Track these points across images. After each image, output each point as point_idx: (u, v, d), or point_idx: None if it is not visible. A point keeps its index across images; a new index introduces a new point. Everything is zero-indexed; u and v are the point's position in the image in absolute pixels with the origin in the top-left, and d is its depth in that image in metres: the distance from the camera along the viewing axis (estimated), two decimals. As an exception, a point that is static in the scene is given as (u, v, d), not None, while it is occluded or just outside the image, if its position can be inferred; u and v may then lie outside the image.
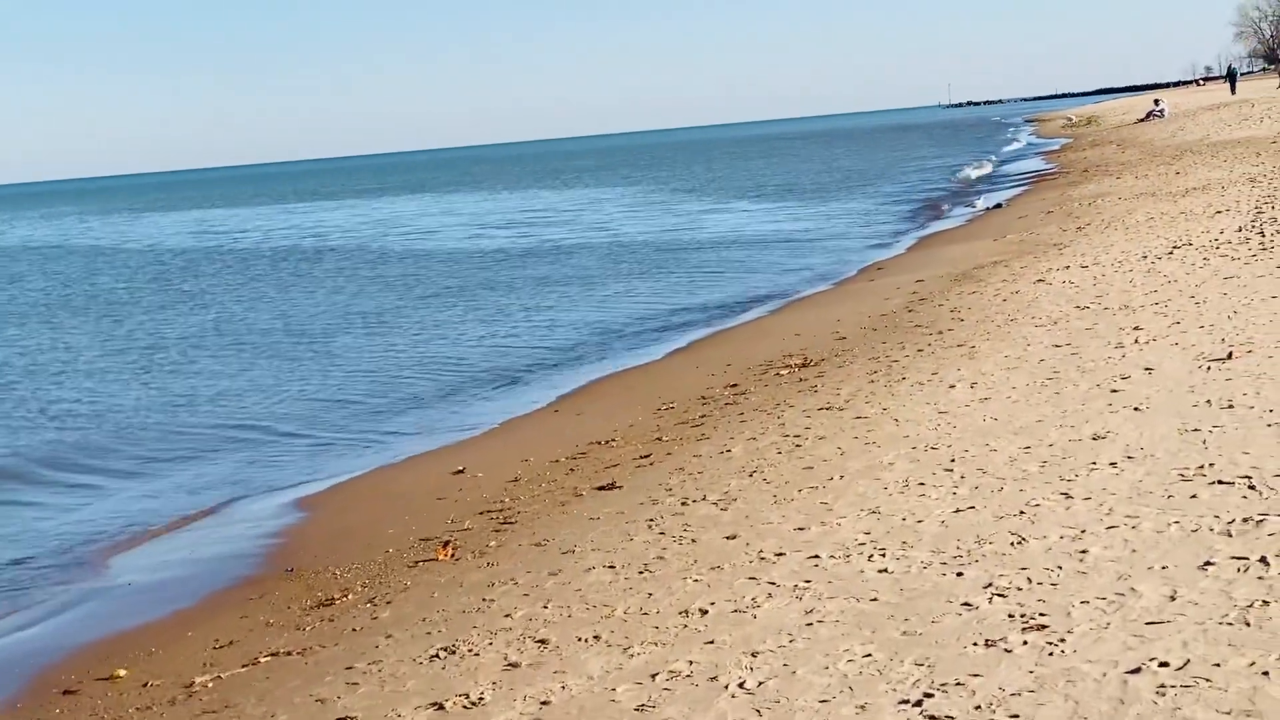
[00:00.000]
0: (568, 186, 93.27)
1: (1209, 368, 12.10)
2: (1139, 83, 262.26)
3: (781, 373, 15.98)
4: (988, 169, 61.15)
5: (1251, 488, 8.47)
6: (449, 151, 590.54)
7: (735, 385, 15.72)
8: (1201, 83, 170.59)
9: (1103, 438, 10.34)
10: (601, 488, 11.84)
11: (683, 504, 10.71)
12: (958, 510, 9.13)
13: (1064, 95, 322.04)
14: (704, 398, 15.34)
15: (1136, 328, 14.67)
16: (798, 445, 11.98)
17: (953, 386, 13.30)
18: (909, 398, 13.15)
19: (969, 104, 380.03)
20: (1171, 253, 19.94)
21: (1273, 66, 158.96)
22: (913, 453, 10.96)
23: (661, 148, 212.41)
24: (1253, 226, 21.10)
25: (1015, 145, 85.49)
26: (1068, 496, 8.99)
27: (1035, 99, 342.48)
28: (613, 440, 13.87)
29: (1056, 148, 68.95)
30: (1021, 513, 8.81)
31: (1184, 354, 12.89)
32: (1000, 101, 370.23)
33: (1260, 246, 18.90)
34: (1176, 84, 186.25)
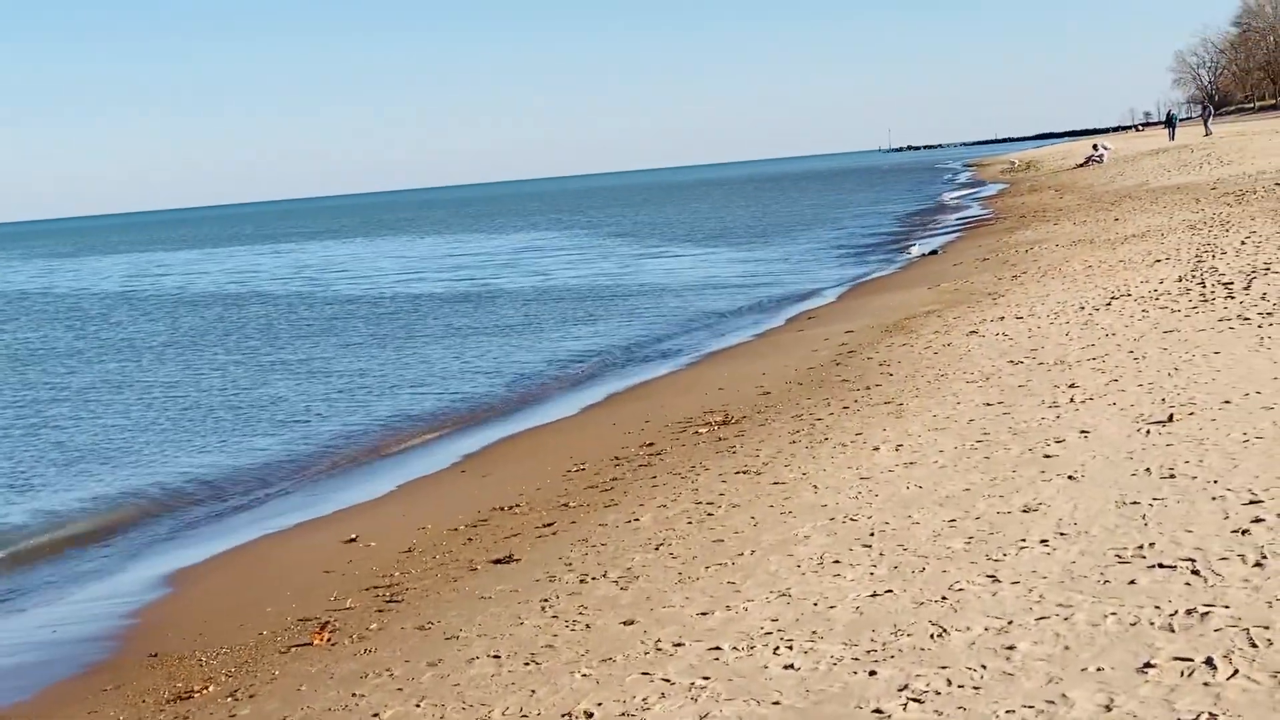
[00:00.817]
0: (510, 230, 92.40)
1: (1148, 431, 11.35)
2: (1079, 127, 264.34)
3: (700, 431, 15.16)
4: (934, 217, 60.74)
5: (1195, 573, 7.69)
6: (394, 195, 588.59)
7: (651, 445, 14.88)
8: (1141, 128, 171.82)
9: (1034, 510, 9.55)
10: (498, 561, 10.95)
11: (581, 581, 9.85)
12: (874, 594, 8.30)
13: (1005, 140, 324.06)
14: (617, 458, 14.49)
15: (1072, 385, 13.94)
16: (709, 514, 11.14)
17: (877, 449, 12.51)
18: (830, 461, 12.34)
19: (910, 148, 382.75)
20: (1109, 304, 19.28)
21: (1201, 113, 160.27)
22: (830, 525, 10.13)
23: (606, 191, 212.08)
24: (1193, 276, 20.48)
25: (954, 190, 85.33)
26: (994, 579, 8.18)
27: (976, 143, 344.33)
28: (517, 506, 12.98)
29: (994, 193, 68.74)
30: (944, 598, 8.00)
31: (1122, 415, 12.15)
32: (941, 146, 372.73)
33: (1201, 298, 18.26)
34: (1116, 129, 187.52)
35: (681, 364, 22.46)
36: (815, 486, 11.45)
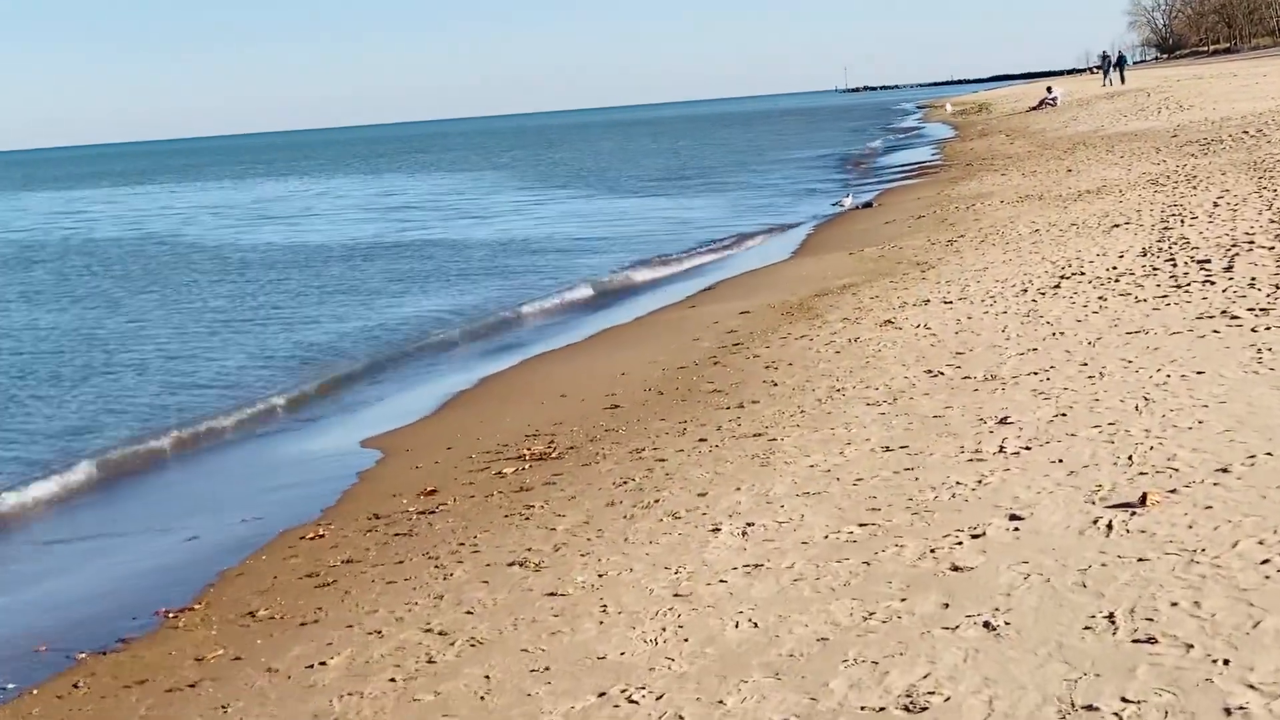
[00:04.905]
0: (433, 170, 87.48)
1: (1110, 524, 7.44)
2: (1034, 70, 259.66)
3: (505, 472, 11.14)
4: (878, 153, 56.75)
5: None
6: (339, 131, 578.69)
7: (432, 493, 10.85)
8: (1095, 70, 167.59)
9: (921, 709, 5.60)
10: (81, 743, 6.91)
11: (159, 822, 5.84)
12: None
13: (960, 81, 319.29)
14: (376, 516, 10.45)
15: (1004, 420, 10.04)
16: (430, 662, 7.15)
17: (717, 529, 8.56)
18: (646, 551, 8.38)
19: (865, 89, 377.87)
20: (1058, 286, 15.39)
21: (1165, 56, 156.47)
22: (594, 709, 6.16)
23: (553, 129, 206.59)
24: (1160, 250, 16.59)
25: (902, 133, 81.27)
26: None
27: (932, 84, 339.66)
28: (189, 608, 8.90)
29: (943, 137, 64.66)
30: None
31: (1072, 485, 8.25)
32: (897, 86, 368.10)
33: (1172, 282, 14.39)
34: (1071, 71, 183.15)
35: (539, 348, 18.20)
36: (605, 607, 7.49)
